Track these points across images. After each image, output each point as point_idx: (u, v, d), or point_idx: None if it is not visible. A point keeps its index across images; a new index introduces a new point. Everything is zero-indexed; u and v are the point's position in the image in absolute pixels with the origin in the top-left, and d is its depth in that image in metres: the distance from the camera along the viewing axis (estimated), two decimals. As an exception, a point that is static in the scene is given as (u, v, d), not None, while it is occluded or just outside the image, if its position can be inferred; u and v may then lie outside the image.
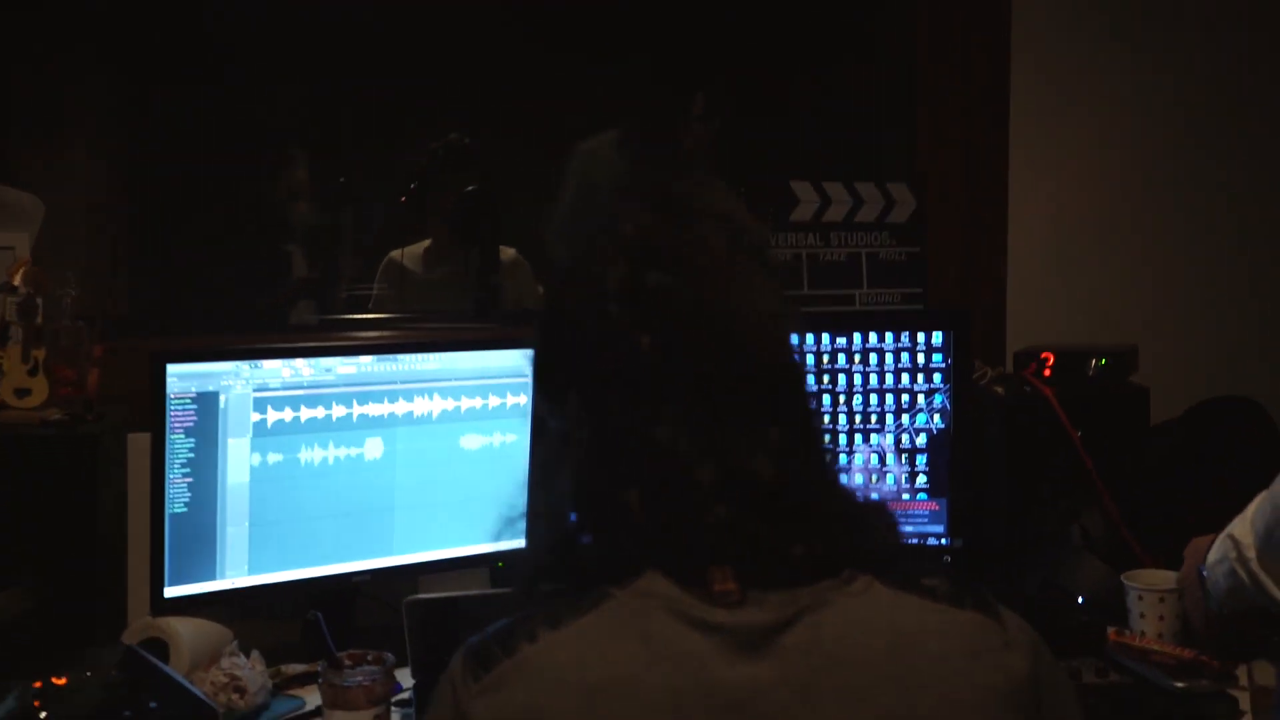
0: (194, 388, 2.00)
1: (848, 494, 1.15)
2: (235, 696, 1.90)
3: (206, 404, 2.01)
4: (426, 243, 3.68)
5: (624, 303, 1.10)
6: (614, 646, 1.03)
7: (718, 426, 1.06)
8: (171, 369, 1.98)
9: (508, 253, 3.46)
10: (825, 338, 2.26)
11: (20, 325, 2.02)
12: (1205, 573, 1.90)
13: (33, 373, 2.02)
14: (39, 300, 2.03)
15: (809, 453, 1.11)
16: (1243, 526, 1.81)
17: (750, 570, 1.05)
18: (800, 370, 1.17)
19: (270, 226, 4.03)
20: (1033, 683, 1.08)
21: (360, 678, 1.79)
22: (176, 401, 1.99)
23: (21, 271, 2.04)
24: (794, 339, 1.17)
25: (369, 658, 1.85)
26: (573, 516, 1.12)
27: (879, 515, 1.17)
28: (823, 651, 1.03)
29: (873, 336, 2.25)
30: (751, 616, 1.03)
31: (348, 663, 1.85)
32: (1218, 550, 1.86)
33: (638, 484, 1.08)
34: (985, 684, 1.05)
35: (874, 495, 2.23)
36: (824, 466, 1.14)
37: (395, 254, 3.68)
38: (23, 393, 2.02)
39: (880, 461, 2.26)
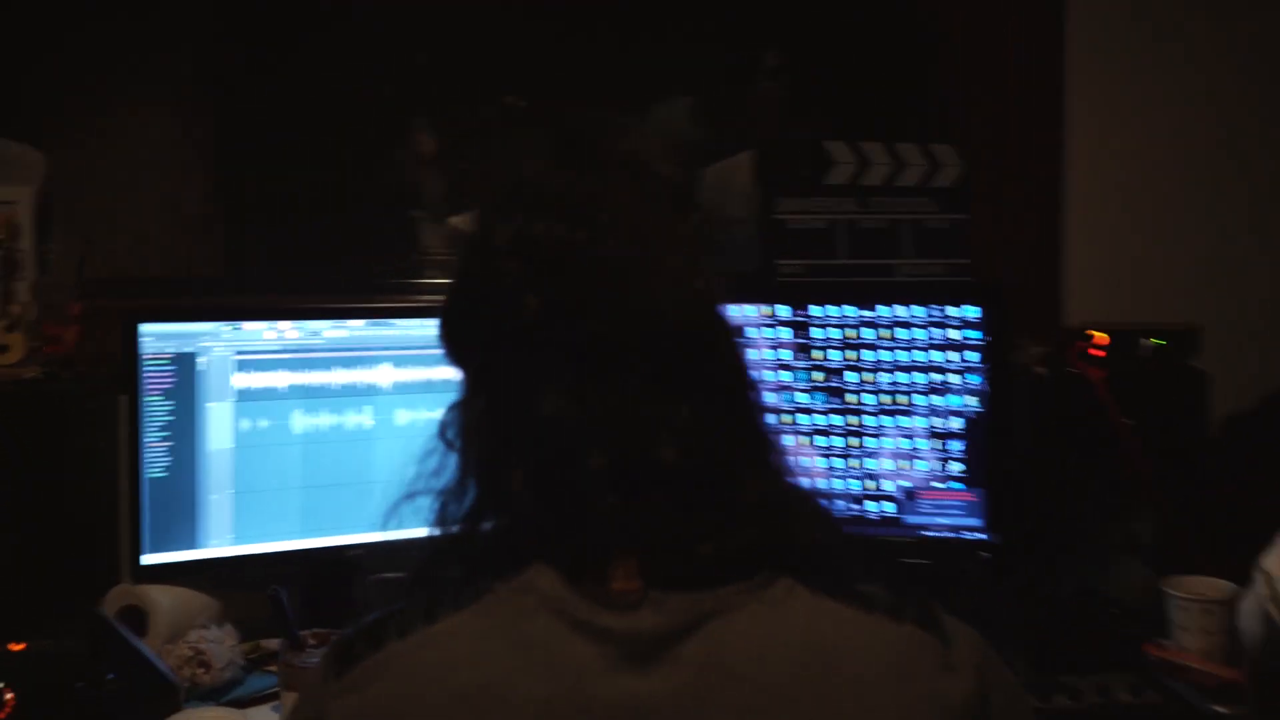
0: (170, 348, 1.92)
1: (778, 485, 1.00)
2: (200, 671, 1.83)
3: (184, 366, 1.93)
4: (484, 207, 3.60)
5: (515, 258, 0.98)
6: (487, 649, 0.92)
7: (612, 402, 0.93)
8: (145, 329, 1.90)
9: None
10: (850, 309, 2.10)
11: (3, 280, 1.97)
12: (1240, 622, 1.65)
13: (10, 329, 1.96)
14: (17, 255, 1.97)
15: (728, 436, 0.97)
16: (1274, 558, 1.56)
17: (656, 567, 0.92)
18: (724, 338, 1.01)
19: (380, 193, 3.97)
20: (975, 711, 0.94)
21: (318, 659, 1.69)
22: (152, 362, 1.91)
23: (5, 225, 1.98)
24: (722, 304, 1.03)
25: (334, 637, 1.75)
26: (470, 498, 1.01)
27: (814, 510, 1.03)
28: (721, 666, 0.90)
29: (900, 309, 2.09)
30: (644, 622, 0.90)
31: (311, 642, 1.76)
32: (1250, 593, 1.61)
33: (522, 465, 0.96)
34: (911, 709, 0.92)
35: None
36: (747, 452, 0.99)
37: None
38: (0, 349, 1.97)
39: (910, 446, 2.10)
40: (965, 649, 0.96)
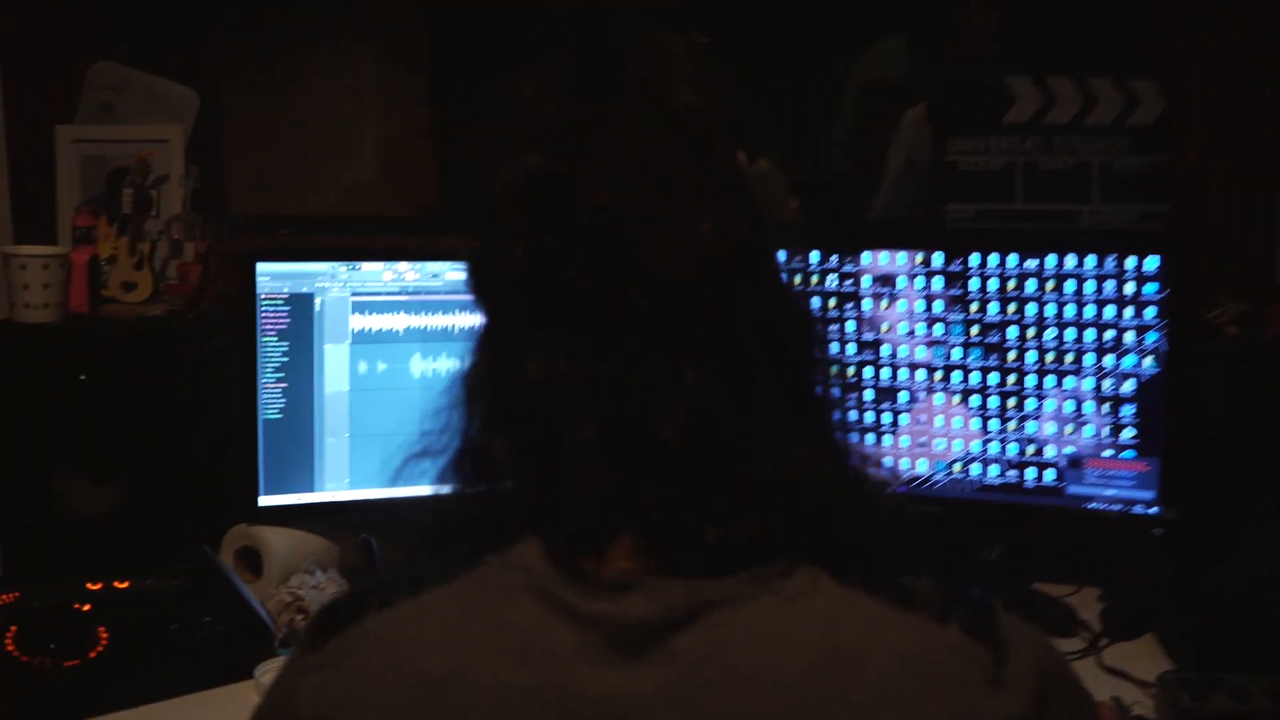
0: (286, 288, 1.89)
1: (814, 463, 0.85)
2: (298, 617, 1.80)
3: (300, 306, 1.89)
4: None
5: (507, 201, 0.86)
6: (462, 628, 0.82)
7: (606, 364, 0.81)
8: (261, 267, 1.87)
9: (761, 165, 3.20)
10: (1012, 258, 1.89)
11: (134, 218, 1.98)
12: None
13: (139, 267, 1.97)
14: (150, 193, 1.98)
15: (748, 406, 0.82)
16: None
17: (657, 549, 0.80)
18: (756, 293, 0.86)
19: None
20: None
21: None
22: (268, 302, 1.88)
23: (138, 164, 1.99)
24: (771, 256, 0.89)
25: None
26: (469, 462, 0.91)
27: (862, 492, 0.88)
28: (721, 662, 0.78)
29: (1070, 259, 1.87)
30: (637, 608, 0.79)
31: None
32: None
33: (506, 430, 0.86)
34: None
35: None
36: (774, 425, 0.83)
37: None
38: (129, 287, 1.98)
39: (1076, 410, 1.88)
40: (1023, 662, 0.79)
